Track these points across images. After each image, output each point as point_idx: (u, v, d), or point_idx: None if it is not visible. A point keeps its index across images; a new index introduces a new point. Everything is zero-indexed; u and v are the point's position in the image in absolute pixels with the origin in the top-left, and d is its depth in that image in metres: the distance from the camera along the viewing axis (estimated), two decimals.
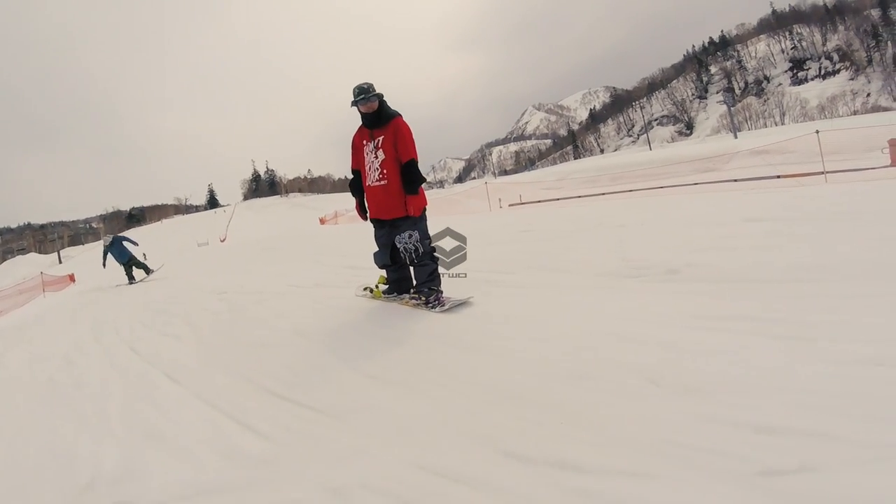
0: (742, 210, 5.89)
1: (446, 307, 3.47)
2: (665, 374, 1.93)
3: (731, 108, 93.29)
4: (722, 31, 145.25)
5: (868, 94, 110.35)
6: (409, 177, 3.58)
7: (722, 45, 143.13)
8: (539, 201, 22.81)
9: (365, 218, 3.95)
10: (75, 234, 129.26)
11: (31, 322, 7.26)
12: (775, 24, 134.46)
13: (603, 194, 21.78)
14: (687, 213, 6.64)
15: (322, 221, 33.47)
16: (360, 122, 3.80)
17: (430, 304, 3.56)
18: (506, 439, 1.57)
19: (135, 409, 2.39)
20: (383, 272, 4.15)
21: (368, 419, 1.84)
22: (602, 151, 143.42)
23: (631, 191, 20.73)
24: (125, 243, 12.15)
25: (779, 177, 17.52)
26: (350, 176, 4.01)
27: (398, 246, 3.68)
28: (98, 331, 5.09)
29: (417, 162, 3.65)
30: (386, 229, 3.78)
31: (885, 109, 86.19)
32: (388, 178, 3.61)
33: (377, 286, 4.25)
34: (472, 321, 3.08)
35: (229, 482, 1.59)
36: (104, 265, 12.20)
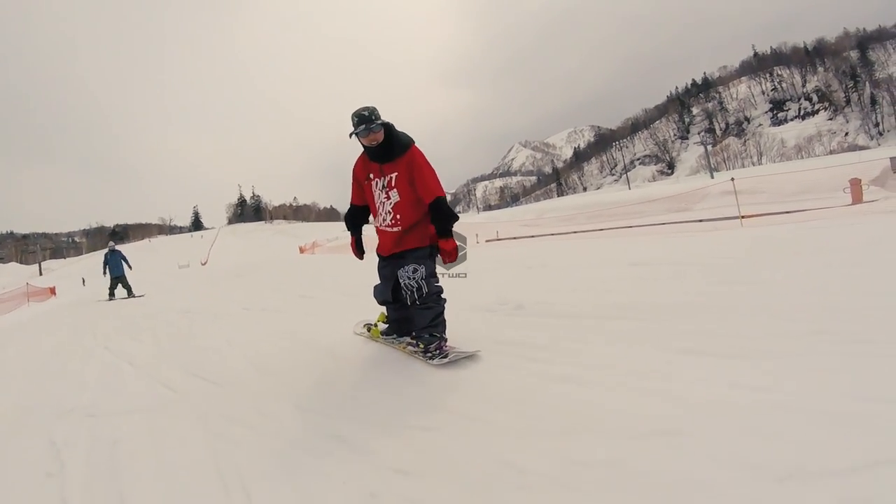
0: (642, 254, 6.89)
1: (448, 359, 2.96)
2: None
3: (708, 149, 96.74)
4: (704, 73, 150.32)
5: (846, 133, 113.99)
6: (439, 217, 3.03)
7: (704, 87, 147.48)
8: (513, 238, 24.05)
9: (361, 256, 3.55)
10: (57, 246, 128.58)
11: (20, 326, 8.41)
12: (756, 66, 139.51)
13: (574, 232, 23.13)
14: (599, 255, 7.83)
15: (301, 250, 34.91)
16: (360, 150, 3.23)
17: (430, 354, 3.07)
18: (296, 397, 2.80)
19: (103, 379, 3.65)
20: (384, 309, 3.72)
21: (241, 388, 3.06)
22: (585, 189, 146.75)
23: (600, 230, 22.09)
24: (122, 261, 13.16)
25: (742, 217, 19.00)
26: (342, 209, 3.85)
27: (400, 281, 3.19)
28: (78, 334, 6.32)
29: (446, 198, 3.10)
30: (391, 260, 3.31)
31: (862, 148, 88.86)
32: (403, 223, 3.11)
33: (376, 324, 3.82)
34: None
35: (150, 407, 2.84)
36: (104, 272, 13.07)
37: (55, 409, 3.05)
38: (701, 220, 15.40)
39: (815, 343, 2.47)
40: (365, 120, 2.94)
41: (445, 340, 3.16)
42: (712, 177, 69.99)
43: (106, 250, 13.37)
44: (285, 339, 4.36)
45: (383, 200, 3.12)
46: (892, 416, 1.67)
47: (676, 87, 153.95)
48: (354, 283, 8.31)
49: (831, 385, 1.98)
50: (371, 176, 3.15)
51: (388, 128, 3.02)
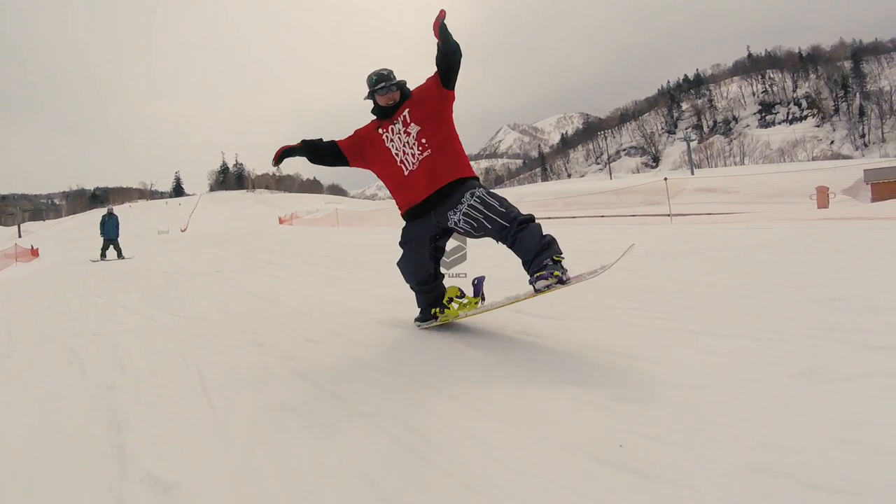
0: (564, 241, 7.88)
1: (597, 272, 2.64)
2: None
3: (690, 145, 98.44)
4: (697, 70, 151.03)
5: (832, 142, 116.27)
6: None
7: (696, 83, 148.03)
8: None
9: (277, 160, 3.09)
10: (36, 208, 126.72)
11: (17, 282, 9.43)
12: (749, 66, 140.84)
13: (548, 218, 24.37)
14: None
15: (281, 221, 35.95)
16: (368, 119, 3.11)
17: (565, 278, 2.53)
18: (242, 326, 3.98)
19: (101, 316, 4.79)
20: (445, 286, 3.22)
21: (204, 321, 4.20)
22: (569, 176, 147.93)
23: (569, 217, 23.35)
24: (116, 226, 13.98)
25: (710, 214, 20.17)
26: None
27: (453, 219, 2.81)
28: (71, 288, 7.39)
29: None
30: (431, 217, 2.93)
31: (845, 157, 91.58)
32: (433, 146, 2.87)
33: (448, 301, 3.18)
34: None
35: (138, 330, 3.98)
36: (101, 233, 13.88)
37: (67, 332, 4.18)
38: (645, 216, 16.68)
39: (618, 313, 3.11)
40: (384, 79, 2.90)
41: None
42: (692, 173, 72.14)
43: (104, 213, 14.29)
44: (245, 293, 5.51)
45: (406, 140, 2.89)
46: (600, 362, 2.33)
47: (668, 81, 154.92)
48: (316, 252, 9.47)
49: (588, 338, 2.66)
50: (381, 130, 2.96)
51: (404, 88, 2.96)
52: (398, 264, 3.18)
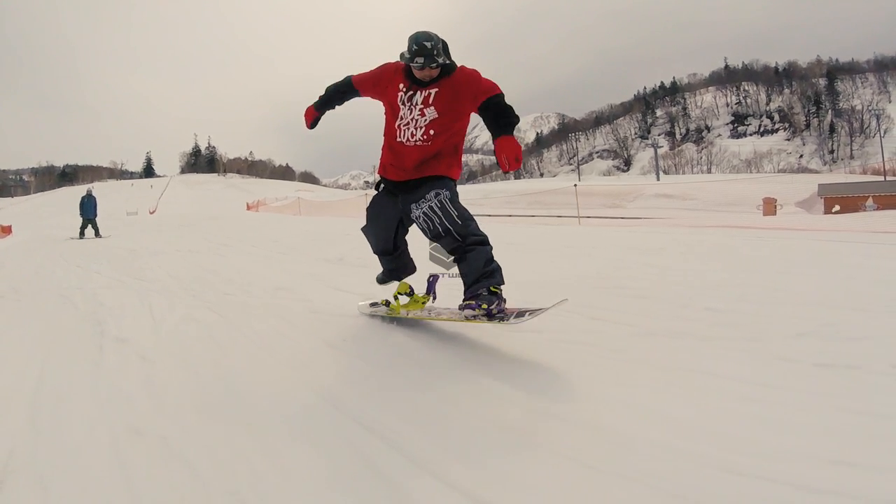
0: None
1: (525, 318, 2.39)
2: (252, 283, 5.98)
3: (658, 151, 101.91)
4: (674, 78, 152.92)
5: (801, 156, 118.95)
6: (500, 111, 2.55)
7: (671, 91, 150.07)
8: None
9: (311, 125, 3.06)
10: (4, 184, 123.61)
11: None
12: (726, 78, 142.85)
13: (509, 216, 26.16)
14: None
15: (248, 207, 37.22)
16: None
17: (498, 314, 2.49)
18: (186, 286, 5.64)
19: (81, 278, 6.42)
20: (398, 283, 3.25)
21: (159, 283, 5.84)
22: (542, 175, 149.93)
23: (532, 216, 25.01)
24: (95, 206, 15.22)
25: (623, 217, 21.61)
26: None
27: (414, 214, 2.70)
28: (52, 260, 8.94)
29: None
30: (399, 191, 2.88)
31: (812, 171, 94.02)
32: (435, 141, 2.73)
33: (396, 296, 3.16)
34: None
35: (111, 286, 5.61)
36: (81, 214, 15.02)
37: (57, 287, 5.80)
38: (559, 216, 18.56)
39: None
40: (426, 54, 2.53)
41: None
42: (658, 178, 75.87)
43: (84, 193, 15.52)
44: (195, 267, 7.14)
45: (416, 117, 2.70)
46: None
47: (644, 87, 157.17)
48: (266, 237, 11.11)
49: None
50: (403, 87, 2.72)
51: (445, 66, 2.65)
52: (363, 229, 3.21)
